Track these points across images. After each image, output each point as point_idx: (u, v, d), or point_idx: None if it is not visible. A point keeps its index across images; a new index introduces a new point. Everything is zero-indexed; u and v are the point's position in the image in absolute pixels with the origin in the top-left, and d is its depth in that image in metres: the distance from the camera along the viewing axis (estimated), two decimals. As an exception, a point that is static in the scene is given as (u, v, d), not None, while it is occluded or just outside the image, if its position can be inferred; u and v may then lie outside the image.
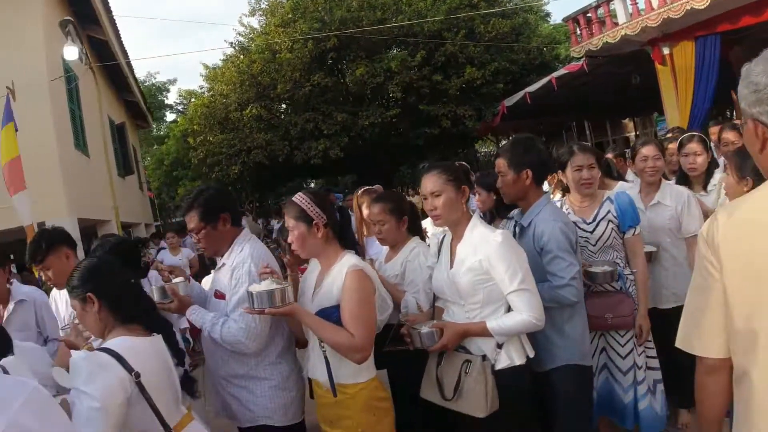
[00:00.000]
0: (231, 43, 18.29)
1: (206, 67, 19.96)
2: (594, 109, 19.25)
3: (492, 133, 20.21)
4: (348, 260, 2.43)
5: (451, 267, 2.59)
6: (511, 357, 2.50)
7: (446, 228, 3.50)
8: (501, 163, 2.76)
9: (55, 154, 8.60)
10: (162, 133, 29.44)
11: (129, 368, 1.90)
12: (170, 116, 31.14)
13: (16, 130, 6.87)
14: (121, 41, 13.29)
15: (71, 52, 8.55)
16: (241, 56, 18.14)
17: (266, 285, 2.32)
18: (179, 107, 29.83)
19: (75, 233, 8.38)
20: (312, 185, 31.32)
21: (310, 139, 16.61)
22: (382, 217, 3.11)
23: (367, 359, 2.38)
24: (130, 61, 14.52)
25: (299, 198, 2.50)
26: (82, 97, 10.77)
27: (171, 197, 24.28)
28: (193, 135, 18.65)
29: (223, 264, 2.71)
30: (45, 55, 8.78)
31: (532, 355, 2.58)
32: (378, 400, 2.45)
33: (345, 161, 17.26)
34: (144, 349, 2.02)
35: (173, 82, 32.30)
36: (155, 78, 29.76)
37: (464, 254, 2.52)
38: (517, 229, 2.80)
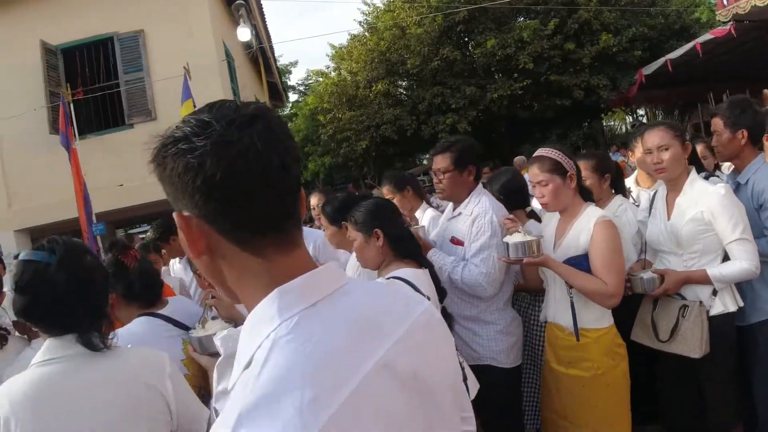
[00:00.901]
0: (360, 22, 18.90)
1: (333, 46, 20.71)
2: (735, 78, 17.94)
3: (625, 104, 19.43)
4: (595, 212, 2.63)
5: (669, 219, 2.81)
6: (725, 304, 2.69)
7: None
8: (717, 123, 2.91)
9: None
10: (287, 112, 30.96)
11: (421, 293, 2.17)
12: (292, 96, 32.72)
13: (194, 107, 7.75)
14: (266, 25, 14.22)
15: (244, 33, 9.38)
16: (367, 34, 18.67)
17: (520, 237, 2.55)
18: (301, 88, 31.24)
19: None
20: (425, 161, 31.69)
21: (437, 113, 16.87)
22: (586, 174, 3.23)
23: (617, 305, 2.56)
24: (272, 44, 15.47)
25: (550, 151, 2.67)
26: (237, 77, 11.75)
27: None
28: (323, 113, 19.53)
29: (460, 213, 2.95)
30: (213, 38, 9.71)
31: (741, 304, 2.73)
32: (617, 346, 2.65)
33: (472, 135, 17.37)
34: (423, 280, 2.30)
35: (294, 64, 33.66)
36: (278, 61, 31.18)
37: (685, 206, 2.70)
38: (733, 186, 2.94)
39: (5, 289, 5.13)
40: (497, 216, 2.82)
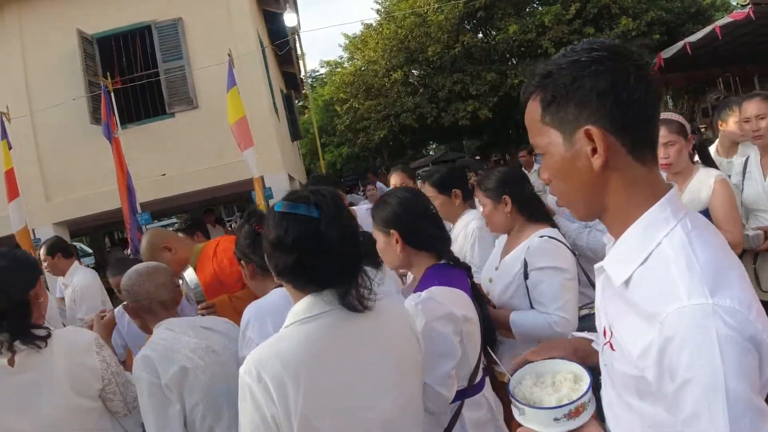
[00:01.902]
0: (378, 11, 19.04)
1: (347, 36, 20.84)
2: (752, 62, 18.09)
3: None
4: (710, 171, 2.85)
5: (765, 179, 3.04)
6: None
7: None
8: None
9: (269, 115, 9.69)
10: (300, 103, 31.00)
11: (571, 251, 2.39)
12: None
13: (239, 94, 7.88)
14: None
15: (291, 18, 9.54)
16: (383, 23, 18.76)
17: None
18: (309, 80, 31.32)
19: (286, 187, 9.52)
20: (432, 152, 31.82)
21: (457, 100, 17.01)
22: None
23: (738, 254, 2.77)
24: (298, 34, 15.55)
25: (674, 115, 2.91)
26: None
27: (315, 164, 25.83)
28: (339, 103, 19.69)
29: None
30: (252, 26, 9.84)
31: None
32: None
33: (493, 122, 17.54)
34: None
35: (300, 57, 33.61)
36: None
37: None
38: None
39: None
40: None
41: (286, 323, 1.45)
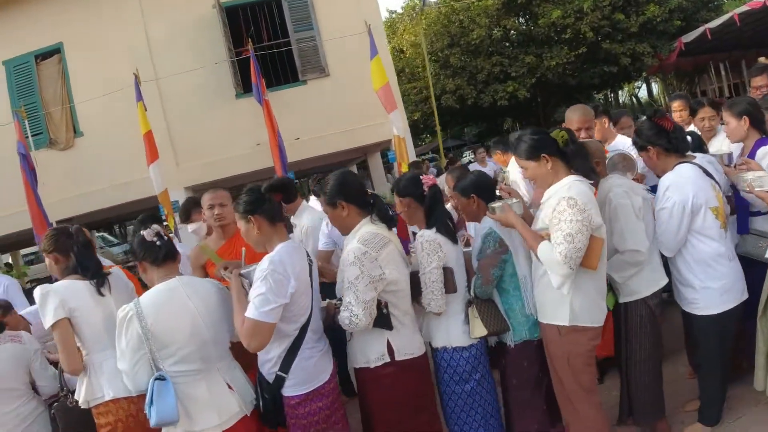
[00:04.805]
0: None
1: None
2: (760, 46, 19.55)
3: (660, 70, 20.87)
4: None
5: None
6: None
7: None
8: None
9: (394, 83, 10.25)
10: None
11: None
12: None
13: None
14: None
15: None
16: (419, 12, 19.41)
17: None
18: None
19: (412, 149, 10.14)
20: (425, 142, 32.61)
21: (495, 82, 17.81)
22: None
23: None
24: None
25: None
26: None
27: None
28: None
29: None
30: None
31: None
32: None
33: (527, 103, 18.40)
34: None
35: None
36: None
37: None
38: None
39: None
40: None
41: None
